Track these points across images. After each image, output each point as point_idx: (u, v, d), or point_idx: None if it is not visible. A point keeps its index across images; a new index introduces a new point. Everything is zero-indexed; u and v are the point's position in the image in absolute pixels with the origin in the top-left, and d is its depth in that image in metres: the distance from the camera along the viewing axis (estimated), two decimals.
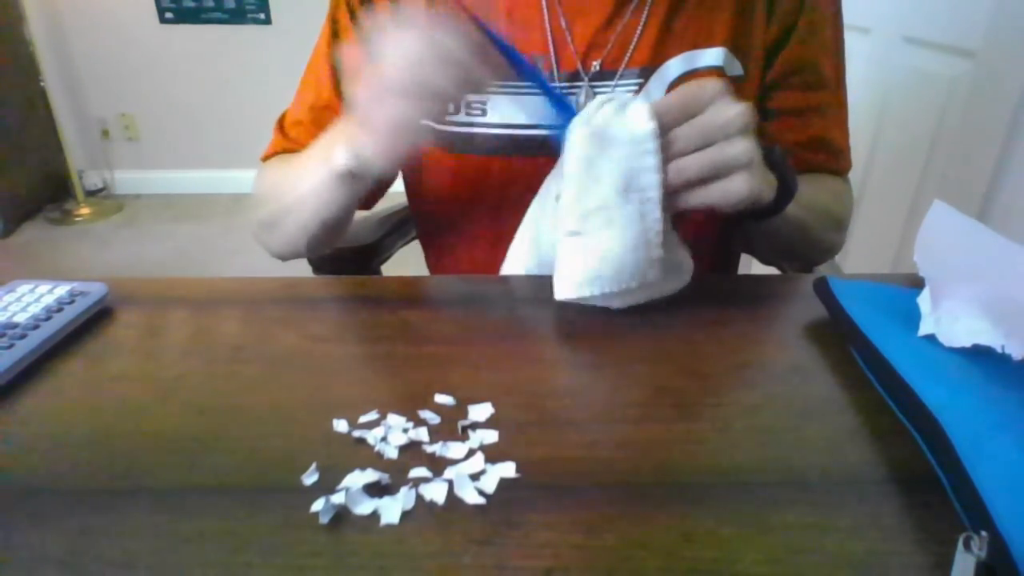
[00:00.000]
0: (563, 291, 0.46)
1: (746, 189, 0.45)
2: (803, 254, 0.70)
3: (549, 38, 0.61)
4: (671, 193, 0.45)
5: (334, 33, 0.66)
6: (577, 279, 0.45)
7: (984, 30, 1.14)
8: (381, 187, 0.69)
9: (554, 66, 0.61)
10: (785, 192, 0.52)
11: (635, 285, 0.45)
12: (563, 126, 0.46)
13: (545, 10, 0.61)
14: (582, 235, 0.45)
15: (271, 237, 0.65)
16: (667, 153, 0.44)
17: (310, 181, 0.56)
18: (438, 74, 0.45)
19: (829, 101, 0.67)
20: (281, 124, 0.70)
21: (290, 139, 0.69)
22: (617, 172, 0.44)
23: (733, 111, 0.44)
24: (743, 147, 0.44)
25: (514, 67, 0.48)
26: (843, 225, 0.69)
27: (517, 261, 0.53)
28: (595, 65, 0.61)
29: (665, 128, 0.44)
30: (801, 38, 0.63)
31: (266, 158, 0.70)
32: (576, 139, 0.45)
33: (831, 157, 0.68)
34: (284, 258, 0.67)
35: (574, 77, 0.61)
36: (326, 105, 0.66)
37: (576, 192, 0.45)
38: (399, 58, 0.46)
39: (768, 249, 0.73)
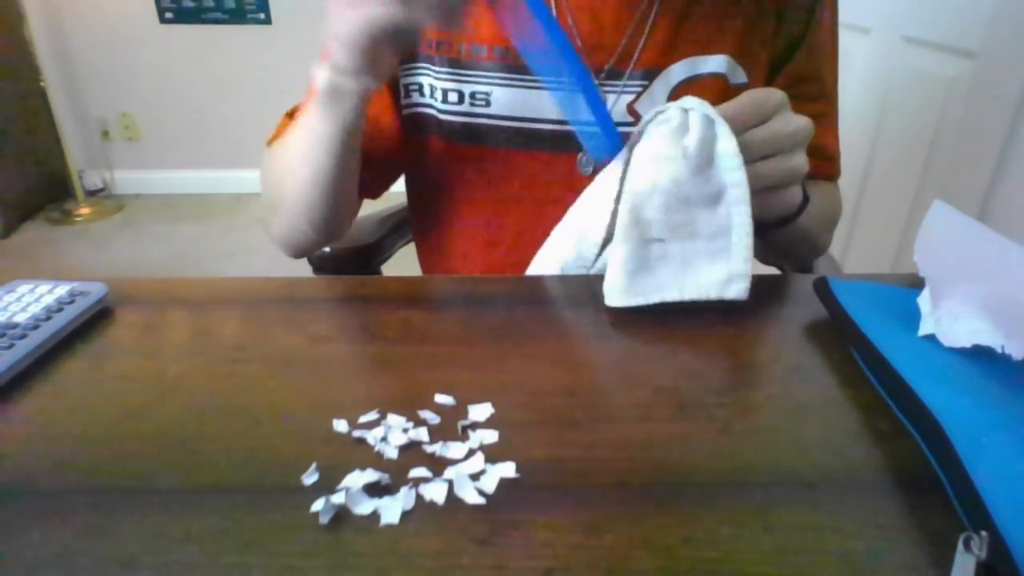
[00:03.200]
0: (622, 300, 0.45)
1: (798, 200, 0.47)
2: (800, 255, 0.72)
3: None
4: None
5: None
6: (650, 288, 0.45)
7: (984, 30, 1.14)
8: (385, 173, 0.68)
9: None
10: (803, 200, 0.53)
11: (714, 295, 0.45)
12: (597, 126, 0.47)
13: (553, 6, 0.61)
14: (667, 244, 0.45)
15: (276, 218, 0.63)
16: (745, 156, 0.44)
17: (301, 137, 0.55)
18: None
19: (826, 110, 0.69)
20: (291, 115, 0.69)
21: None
22: (705, 188, 0.44)
23: (800, 122, 0.46)
24: (801, 160, 0.46)
25: (564, 62, 0.46)
26: (835, 226, 0.73)
27: (554, 258, 0.53)
28: (607, 65, 0.61)
29: (739, 132, 0.44)
30: (808, 52, 0.64)
31: (270, 142, 0.69)
32: (651, 156, 0.45)
33: (826, 164, 0.71)
34: (291, 245, 0.65)
35: None
36: None
37: (658, 204, 0.45)
38: None
39: (769, 251, 0.73)
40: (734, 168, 0.43)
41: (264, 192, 0.65)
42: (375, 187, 0.69)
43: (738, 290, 0.45)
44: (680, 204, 0.44)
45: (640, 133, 0.47)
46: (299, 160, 0.57)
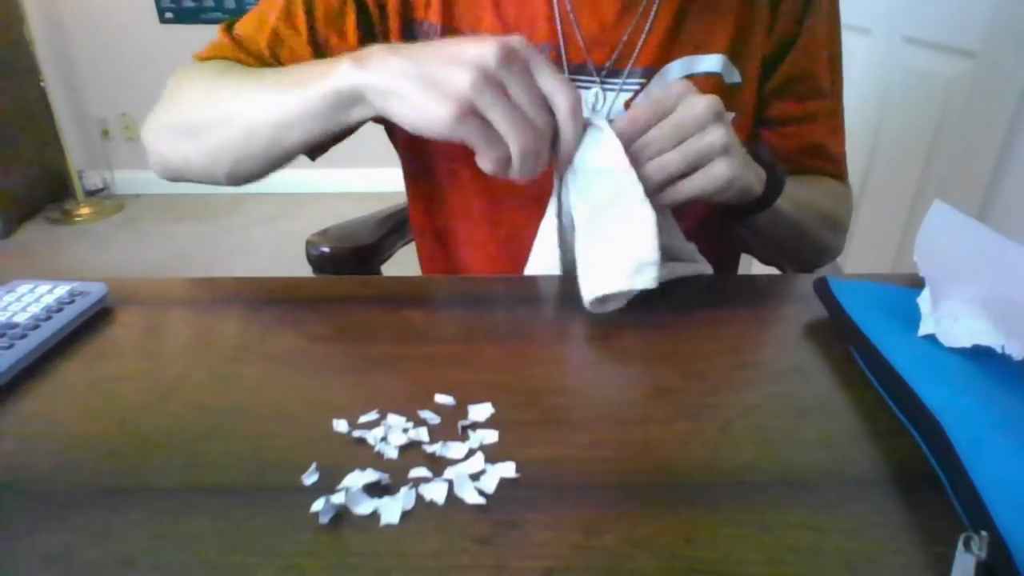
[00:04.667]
0: (589, 293, 0.46)
1: (728, 171, 0.47)
2: (799, 253, 0.70)
3: (558, 30, 0.60)
4: (659, 190, 0.48)
5: None
6: (594, 283, 0.46)
7: (984, 30, 1.14)
8: (334, 141, 0.59)
9: (563, 58, 0.61)
10: (774, 185, 0.54)
11: (625, 287, 0.46)
12: None
13: (554, 1, 0.60)
14: (587, 244, 0.47)
15: (185, 146, 0.57)
16: (648, 153, 0.47)
17: (289, 93, 0.50)
18: (536, 112, 0.43)
19: (825, 110, 0.68)
20: (230, 31, 0.62)
21: (239, 49, 0.61)
22: (606, 191, 0.47)
23: (702, 104, 0.46)
24: (716, 134, 0.46)
25: None
26: (840, 226, 0.70)
27: (541, 261, 0.54)
28: (608, 62, 0.61)
29: (641, 132, 0.47)
30: (801, 51, 0.64)
31: (203, 57, 0.62)
32: (573, 168, 0.48)
33: (828, 164, 0.70)
34: (182, 176, 0.60)
35: (581, 70, 0.61)
36: (290, 41, 0.60)
37: (577, 208, 0.48)
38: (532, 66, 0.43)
39: (764, 248, 0.73)
40: (623, 169, 0.46)
41: (171, 111, 0.58)
42: (317, 152, 0.61)
43: (646, 279, 0.45)
44: (589, 208, 0.48)
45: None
46: (267, 119, 0.51)
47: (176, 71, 0.61)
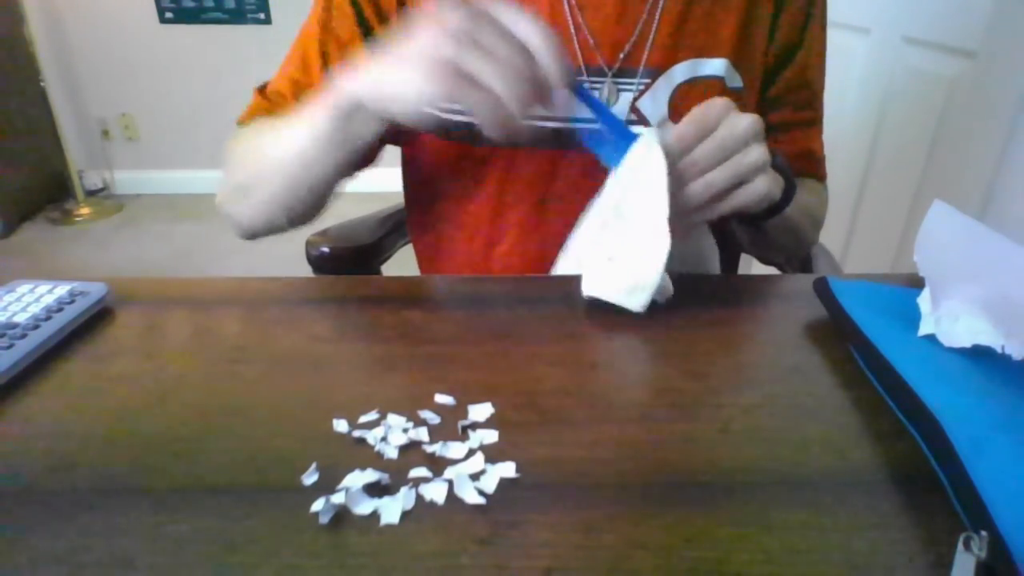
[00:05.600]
0: (584, 288, 0.48)
1: (765, 188, 0.49)
2: (787, 249, 0.74)
3: (571, 29, 0.61)
4: (706, 206, 0.50)
5: (327, 12, 0.63)
6: (590, 283, 0.48)
7: (984, 30, 1.14)
8: (368, 157, 0.63)
9: (580, 58, 0.61)
10: (788, 192, 0.56)
11: (614, 300, 0.47)
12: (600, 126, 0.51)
13: (564, 4, 0.60)
14: (601, 245, 0.49)
15: (245, 206, 0.61)
16: (694, 172, 0.49)
17: (301, 130, 0.53)
18: (523, 68, 0.43)
19: (816, 116, 0.71)
20: (263, 91, 0.67)
21: (272, 104, 0.66)
22: (638, 198, 0.48)
23: (745, 122, 0.48)
24: (758, 152, 0.49)
25: (582, 99, 0.50)
26: (820, 223, 0.75)
27: (573, 260, 0.53)
28: (619, 59, 0.61)
29: (686, 151, 0.48)
30: (801, 60, 0.66)
31: (243, 121, 0.67)
32: (615, 176, 0.49)
33: (813, 166, 0.73)
34: (256, 232, 0.63)
35: (591, 70, 0.62)
36: (311, 84, 0.64)
37: (607, 209, 0.50)
38: (507, 20, 0.43)
39: (757, 245, 0.75)
40: (661, 190, 0.46)
41: (232, 174, 0.63)
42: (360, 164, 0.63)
43: (636, 302, 0.46)
44: (616, 213, 0.49)
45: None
46: (292, 158, 0.55)
47: (228, 142, 0.66)
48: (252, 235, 0.64)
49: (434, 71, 0.42)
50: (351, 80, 0.49)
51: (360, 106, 0.48)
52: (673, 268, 0.47)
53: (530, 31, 0.43)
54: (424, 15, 0.44)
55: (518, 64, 0.43)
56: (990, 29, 1.12)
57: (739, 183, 0.49)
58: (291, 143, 0.55)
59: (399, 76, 0.45)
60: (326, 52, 0.63)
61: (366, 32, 0.62)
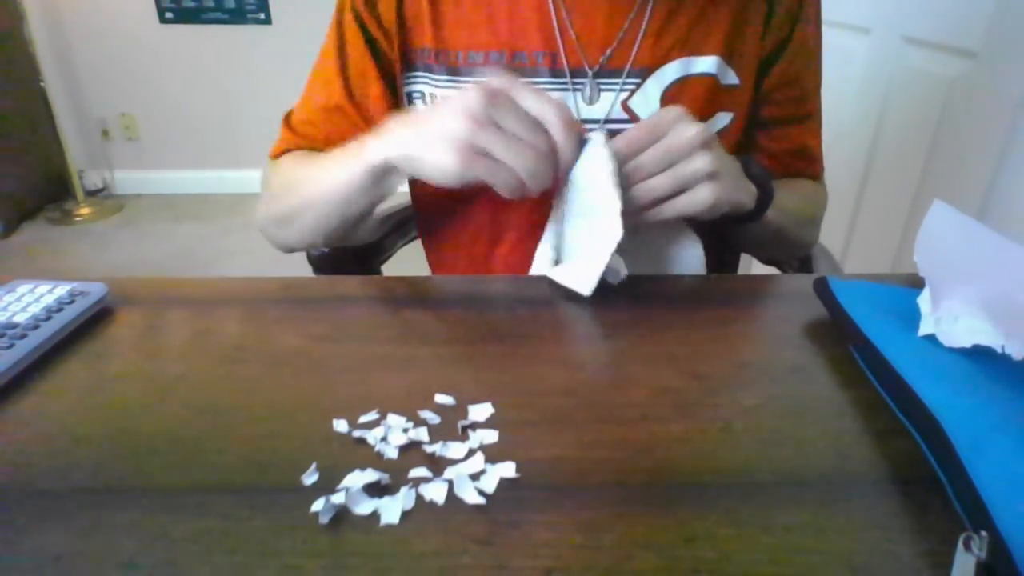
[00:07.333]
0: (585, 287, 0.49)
1: (711, 197, 0.50)
2: (777, 249, 0.76)
3: (555, 36, 0.61)
4: (646, 209, 0.51)
5: (340, 36, 0.66)
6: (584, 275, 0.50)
7: (984, 30, 1.14)
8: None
9: (564, 61, 0.61)
10: (764, 198, 0.57)
11: (562, 282, 0.51)
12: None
13: (551, 5, 0.61)
14: (564, 238, 0.53)
15: (287, 232, 0.66)
16: (638, 176, 0.50)
17: (339, 176, 0.57)
18: (542, 157, 0.47)
19: (810, 111, 0.71)
20: (288, 122, 0.70)
21: (300, 135, 0.69)
22: (591, 197, 0.50)
23: (691, 131, 0.50)
24: (703, 161, 0.50)
25: None
26: (815, 222, 0.75)
27: (544, 261, 0.56)
28: (602, 60, 0.62)
29: (632, 155, 0.50)
30: (793, 53, 0.66)
31: (276, 155, 0.71)
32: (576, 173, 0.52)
33: (809, 163, 0.73)
34: (294, 250, 0.69)
35: (577, 72, 0.62)
36: (337, 107, 0.66)
37: (568, 212, 0.53)
38: (527, 103, 0.48)
39: (744, 244, 0.76)
40: (610, 187, 0.48)
41: (270, 205, 0.67)
42: None
43: (584, 286, 0.49)
44: (575, 211, 0.52)
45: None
46: (329, 199, 0.59)
47: (264, 172, 0.72)
48: (290, 251, 0.71)
49: (458, 151, 0.47)
50: (384, 143, 0.53)
51: (394, 168, 0.53)
52: (647, 268, 0.49)
53: (544, 110, 0.48)
54: (453, 97, 0.49)
55: (533, 141, 0.47)
56: (991, 29, 1.12)
57: (682, 189, 0.50)
58: (329, 187, 0.59)
59: (429, 155, 0.48)
60: (346, 75, 0.66)
61: (373, 49, 0.65)
